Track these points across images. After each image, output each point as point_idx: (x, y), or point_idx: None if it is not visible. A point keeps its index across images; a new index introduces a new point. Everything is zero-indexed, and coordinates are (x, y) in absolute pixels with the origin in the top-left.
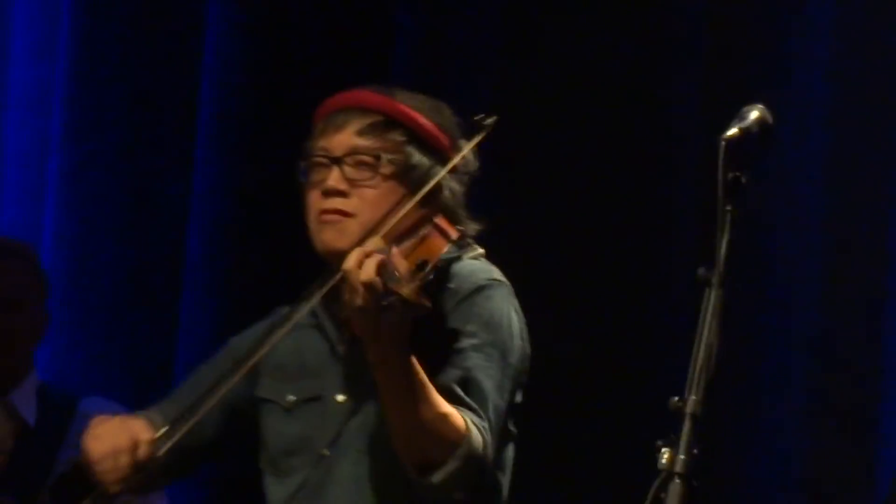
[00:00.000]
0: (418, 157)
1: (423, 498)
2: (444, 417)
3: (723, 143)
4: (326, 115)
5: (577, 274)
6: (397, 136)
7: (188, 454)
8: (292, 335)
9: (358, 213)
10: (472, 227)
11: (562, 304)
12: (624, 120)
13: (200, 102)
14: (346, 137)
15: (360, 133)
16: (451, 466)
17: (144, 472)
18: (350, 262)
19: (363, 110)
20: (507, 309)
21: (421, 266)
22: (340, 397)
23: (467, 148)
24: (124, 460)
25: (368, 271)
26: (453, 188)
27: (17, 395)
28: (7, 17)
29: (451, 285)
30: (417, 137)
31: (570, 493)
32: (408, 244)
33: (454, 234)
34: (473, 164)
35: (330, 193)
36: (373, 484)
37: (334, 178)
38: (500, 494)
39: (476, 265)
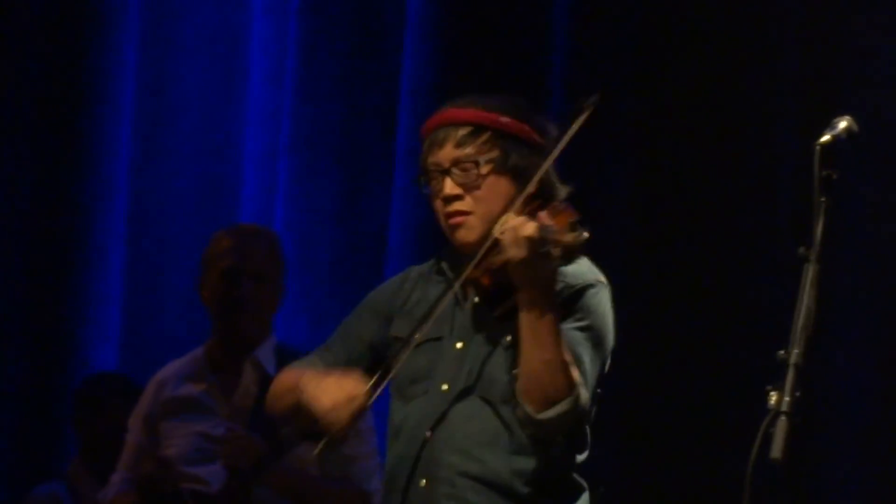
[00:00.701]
0: (508, 150)
1: (531, 433)
2: (567, 365)
3: (817, 147)
4: (429, 133)
5: (704, 253)
6: (487, 139)
7: None
8: (422, 284)
9: (475, 210)
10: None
11: (690, 280)
12: (734, 133)
13: (399, 113)
14: (448, 151)
15: (458, 145)
16: (561, 407)
17: (359, 419)
18: (511, 222)
19: (455, 125)
20: (607, 308)
21: (573, 225)
22: (459, 344)
23: (576, 125)
24: (345, 413)
25: (530, 227)
26: (550, 173)
27: (260, 351)
28: (246, 47)
29: (565, 280)
30: (502, 134)
31: (691, 434)
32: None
33: (573, 214)
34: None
35: (449, 199)
36: (481, 415)
37: (448, 187)
38: (586, 442)
39: (584, 265)
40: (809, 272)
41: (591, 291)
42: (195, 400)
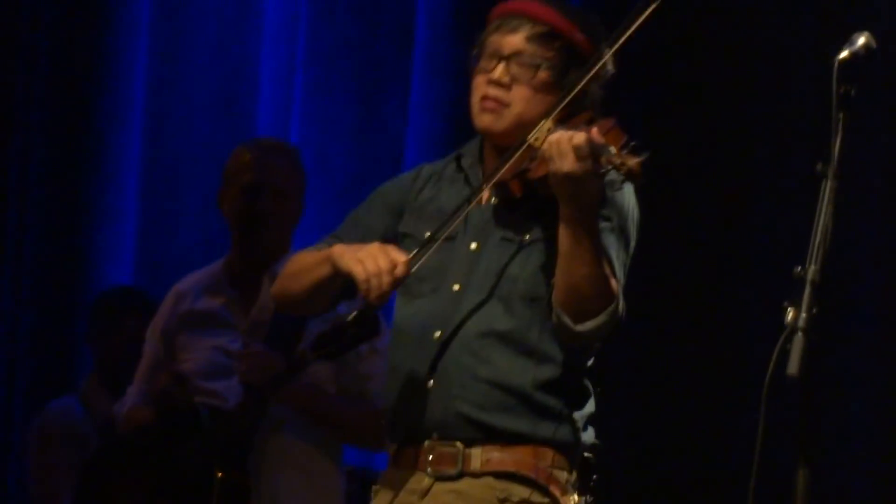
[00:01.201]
0: (570, 66)
1: (567, 342)
2: (607, 278)
3: (836, 63)
4: (501, 15)
5: (721, 177)
6: (557, 47)
7: None
8: (434, 182)
9: (513, 105)
10: None
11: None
12: (751, 52)
13: (416, 27)
14: (516, 40)
15: (529, 39)
16: (601, 319)
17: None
18: (557, 133)
19: (533, 19)
20: (633, 202)
21: (627, 144)
22: (473, 245)
23: (639, 18)
24: (387, 280)
25: (579, 139)
26: (595, 92)
27: (279, 266)
28: None
29: None
30: (572, 48)
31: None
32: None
33: (624, 134)
34: (612, 71)
35: (493, 83)
36: (494, 315)
37: (499, 72)
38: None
39: None
40: (827, 188)
41: (618, 187)
42: (213, 313)
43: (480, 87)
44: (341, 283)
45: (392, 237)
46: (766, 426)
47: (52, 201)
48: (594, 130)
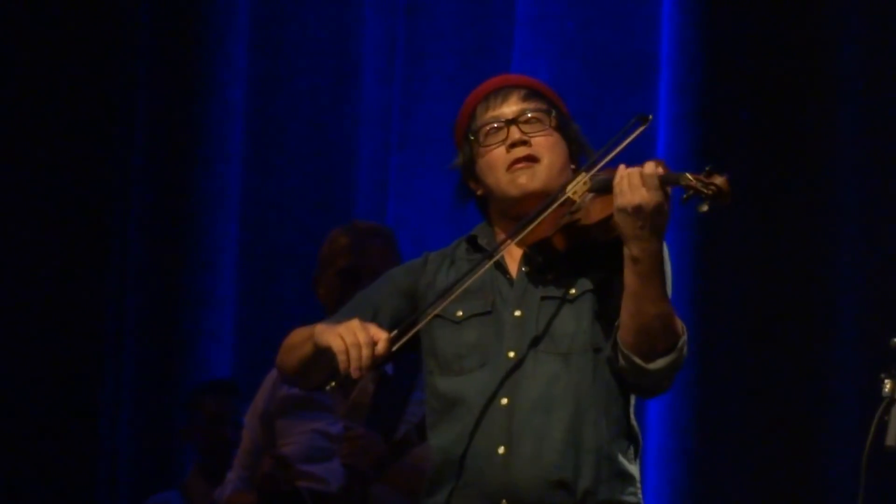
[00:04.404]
0: (562, 118)
1: (637, 383)
2: (673, 313)
3: None
4: (482, 98)
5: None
6: (546, 102)
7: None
8: (448, 266)
9: (542, 157)
10: None
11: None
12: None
13: None
14: (513, 104)
15: (524, 98)
16: (672, 356)
17: (379, 364)
18: (623, 169)
19: (515, 85)
20: (667, 252)
21: (705, 169)
22: (517, 312)
23: (598, 167)
24: (366, 352)
25: (650, 169)
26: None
27: None
28: (357, 47)
29: None
30: (554, 104)
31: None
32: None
33: None
34: None
35: (516, 144)
36: (558, 374)
37: (516, 132)
38: None
39: None
40: None
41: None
42: (311, 397)
43: (502, 158)
44: (329, 360)
45: (403, 319)
46: (865, 497)
47: (150, 288)
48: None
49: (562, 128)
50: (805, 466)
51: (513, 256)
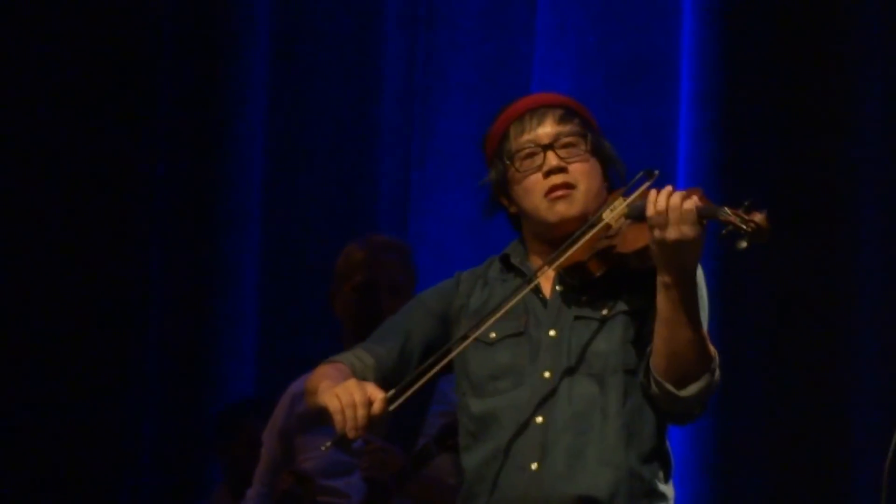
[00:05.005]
0: (596, 138)
1: (669, 409)
2: (705, 339)
3: None
4: (517, 117)
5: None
6: (579, 122)
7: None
8: (482, 286)
9: (579, 183)
10: None
11: None
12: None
13: None
14: (548, 127)
15: (560, 122)
16: (703, 382)
17: (376, 423)
18: (663, 200)
19: (551, 106)
20: (702, 275)
21: (743, 203)
22: (552, 332)
23: (636, 193)
24: (361, 412)
25: (690, 203)
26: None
27: None
28: (377, 62)
29: None
30: (589, 125)
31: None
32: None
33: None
34: None
35: (553, 171)
36: (592, 394)
37: (553, 158)
38: None
39: None
40: None
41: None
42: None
43: (539, 184)
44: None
45: (437, 343)
46: None
47: (172, 306)
48: (695, 196)
49: (596, 150)
50: (828, 482)
51: (546, 276)
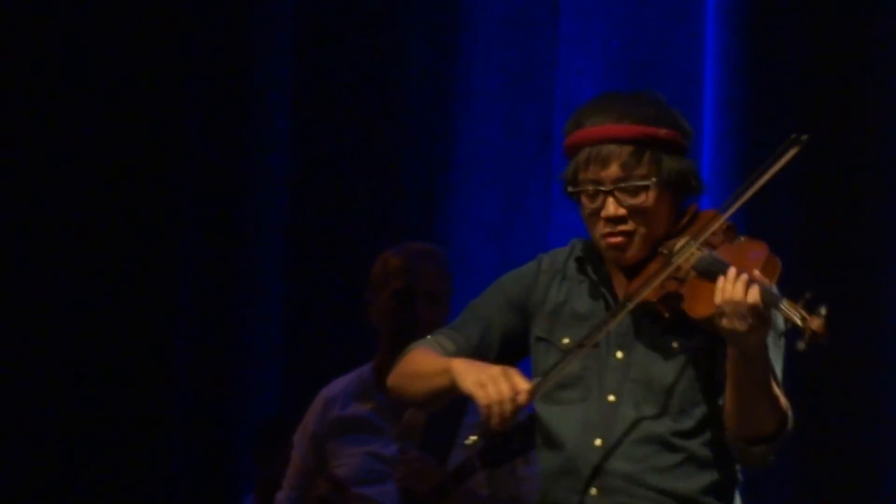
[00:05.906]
0: (669, 165)
1: (742, 461)
2: (777, 399)
3: None
4: (582, 146)
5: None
6: (648, 158)
7: None
8: (560, 281)
9: (637, 230)
10: None
11: None
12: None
13: (555, 128)
14: (612, 171)
15: (623, 166)
16: (773, 442)
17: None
18: (730, 288)
19: (618, 141)
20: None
21: (803, 298)
22: (619, 353)
23: (782, 161)
24: (508, 407)
25: (754, 298)
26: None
27: None
28: (404, 69)
29: None
30: (662, 147)
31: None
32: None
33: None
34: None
35: (610, 220)
36: (654, 424)
37: (613, 207)
38: None
39: None
40: None
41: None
42: (364, 419)
43: (598, 227)
44: (459, 393)
45: (516, 335)
46: None
47: (199, 312)
48: (759, 274)
49: (669, 182)
50: (857, 488)
51: (620, 283)
